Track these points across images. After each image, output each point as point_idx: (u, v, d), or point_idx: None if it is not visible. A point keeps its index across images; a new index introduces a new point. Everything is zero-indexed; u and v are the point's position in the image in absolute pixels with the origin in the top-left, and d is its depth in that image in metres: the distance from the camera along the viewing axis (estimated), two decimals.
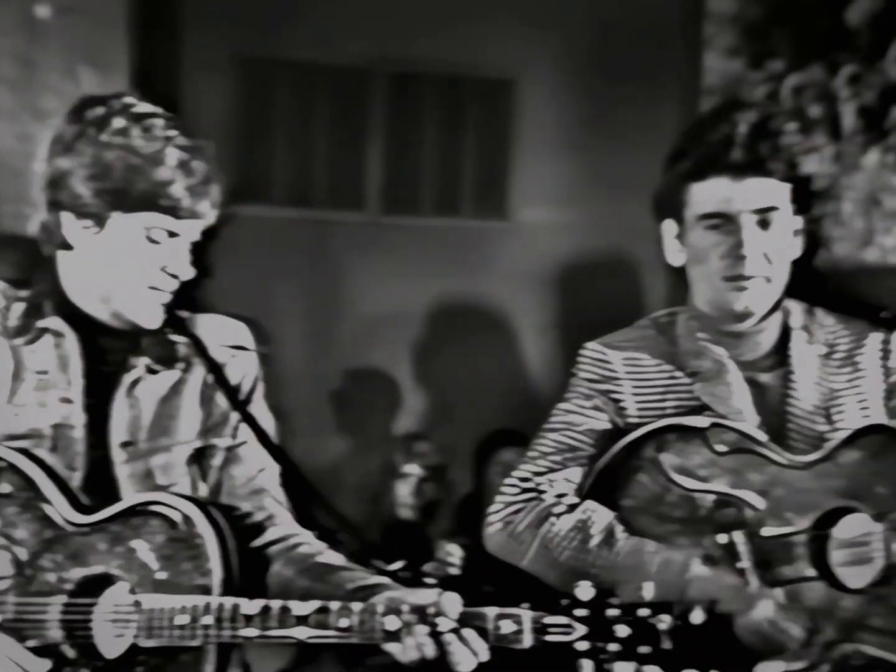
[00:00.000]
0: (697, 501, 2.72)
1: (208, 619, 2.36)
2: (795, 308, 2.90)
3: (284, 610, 2.33)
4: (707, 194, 2.77)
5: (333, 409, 6.28)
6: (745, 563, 2.64)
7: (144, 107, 2.59)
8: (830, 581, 2.70)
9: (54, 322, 2.61)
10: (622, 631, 2.22)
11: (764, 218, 2.77)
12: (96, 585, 2.46)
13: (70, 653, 2.44)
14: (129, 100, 2.59)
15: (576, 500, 2.79)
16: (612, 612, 2.23)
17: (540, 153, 6.38)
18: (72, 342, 2.60)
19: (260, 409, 2.71)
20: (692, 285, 2.86)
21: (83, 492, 2.55)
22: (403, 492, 5.56)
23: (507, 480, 2.82)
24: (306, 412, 5.77)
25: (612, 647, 2.23)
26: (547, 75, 6.31)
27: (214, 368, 2.64)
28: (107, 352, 2.63)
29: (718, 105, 2.86)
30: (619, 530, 2.72)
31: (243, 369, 2.70)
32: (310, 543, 2.64)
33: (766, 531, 2.71)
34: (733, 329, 2.83)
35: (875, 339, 2.88)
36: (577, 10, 6.04)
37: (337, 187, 6.34)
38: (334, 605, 2.32)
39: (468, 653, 2.29)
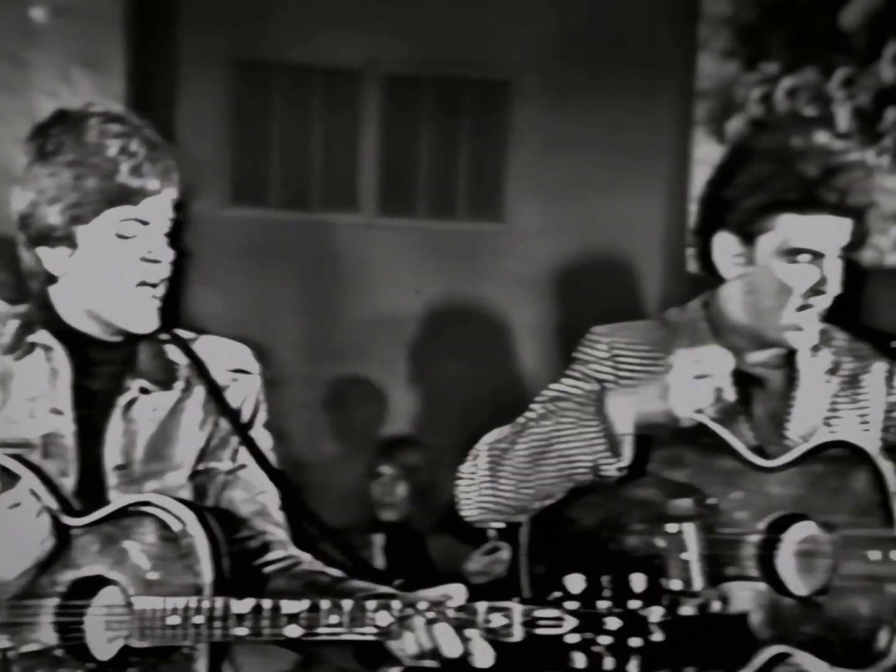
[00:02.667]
0: (657, 487, 2.75)
1: (199, 619, 2.36)
2: None
3: (275, 609, 2.33)
4: (802, 229, 2.71)
5: (325, 414, 6.29)
6: (690, 555, 2.65)
7: (78, 110, 2.60)
8: (774, 585, 2.71)
9: (43, 336, 2.61)
10: (613, 623, 2.23)
11: (840, 254, 2.75)
12: (89, 587, 2.46)
13: (62, 655, 2.43)
14: (64, 110, 2.60)
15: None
16: (603, 605, 2.23)
17: (535, 155, 6.38)
18: (61, 355, 2.60)
19: (260, 432, 2.71)
20: (730, 296, 2.84)
21: (75, 497, 2.54)
22: (377, 492, 5.58)
23: (478, 444, 2.85)
24: (300, 415, 5.78)
25: (603, 639, 2.23)
26: (542, 77, 6.31)
27: (215, 391, 2.64)
28: (99, 364, 2.62)
29: (791, 120, 2.80)
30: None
31: (244, 392, 2.68)
32: (309, 563, 2.65)
33: (718, 529, 2.72)
34: (763, 339, 2.83)
35: (881, 367, 2.88)
36: (573, 12, 6.04)
37: (332, 189, 6.35)
38: (325, 604, 2.33)
39: (457, 644, 2.29)
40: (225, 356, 2.69)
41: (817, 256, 2.71)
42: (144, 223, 2.56)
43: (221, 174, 6.10)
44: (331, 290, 6.23)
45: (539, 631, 2.24)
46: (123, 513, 2.48)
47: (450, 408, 6.18)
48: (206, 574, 2.41)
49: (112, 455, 2.57)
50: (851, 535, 2.70)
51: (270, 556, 2.64)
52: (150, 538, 2.45)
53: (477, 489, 2.78)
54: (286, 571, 2.62)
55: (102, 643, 2.43)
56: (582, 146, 6.30)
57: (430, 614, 2.29)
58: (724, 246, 2.78)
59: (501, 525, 2.85)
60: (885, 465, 2.72)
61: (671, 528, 2.68)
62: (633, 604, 2.22)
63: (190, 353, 2.64)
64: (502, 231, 6.46)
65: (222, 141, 6.06)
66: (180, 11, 5.79)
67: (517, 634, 2.25)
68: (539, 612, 2.24)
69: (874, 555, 2.67)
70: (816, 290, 2.72)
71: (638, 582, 2.24)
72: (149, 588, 2.41)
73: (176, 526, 2.44)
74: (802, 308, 2.74)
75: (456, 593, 2.31)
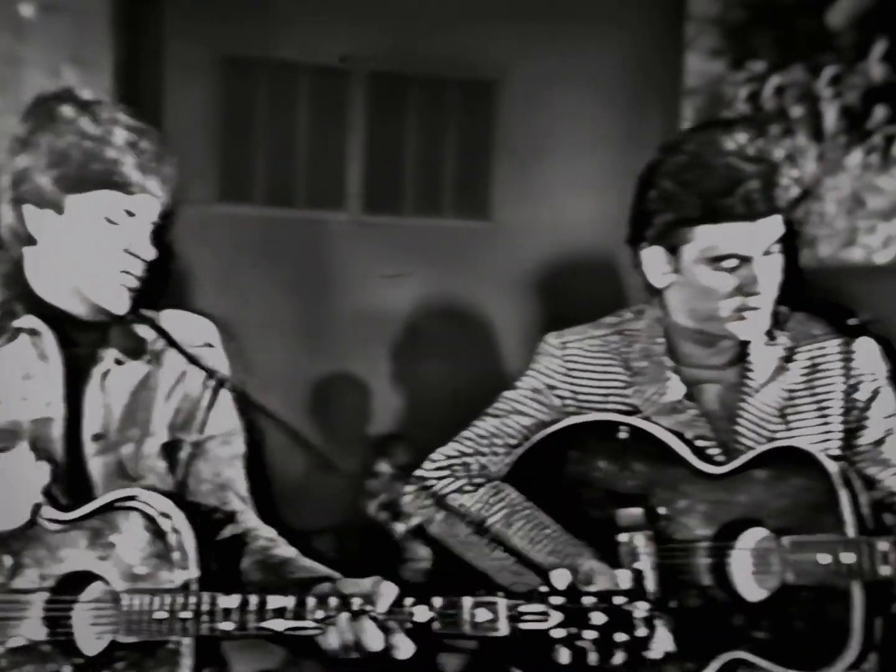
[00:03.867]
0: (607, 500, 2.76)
1: (186, 614, 2.38)
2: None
3: (262, 604, 2.35)
4: (719, 238, 2.76)
5: (310, 411, 6.27)
6: (643, 564, 2.66)
7: (89, 94, 2.68)
8: (727, 592, 2.72)
9: (29, 321, 2.65)
10: (598, 618, 2.23)
11: (769, 250, 2.78)
12: (76, 582, 2.47)
13: (49, 650, 2.44)
14: (76, 91, 2.68)
15: (483, 481, 2.88)
16: (588, 600, 2.24)
17: (521, 153, 6.38)
18: (49, 338, 2.64)
19: (228, 404, 2.76)
20: (672, 303, 2.87)
21: (61, 486, 2.58)
22: (375, 490, 5.58)
23: (434, 454, 2.89)
24: (285, 412, 5.76)
25: (588, 634, 2.23)
26: (528, 75, 6.31)
27: (188, 357, 2.70)
28: (78, 344, 2.67)
29: (703, 137, 2.84)
30: (520, 513, 2.79)
31: (210, 363, 2.74)
32: (268, 538, 2.69)
33: (669, 537, 2.74)
34: (713, 337, 2.84)
35: (838, 345, 2.89)
36: (560, 12, 6.04)
37: (318, 187, 6.33)
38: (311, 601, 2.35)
39: (380, 638, 2.31)
40: (189, 329, 2.76)
41: (743, 260, 2.75)
42: (131, 214, 2.61)
43: (208, 171, 6.09)
44: (317, 287, 6.22)
45: (524, 626, 2.25)
46: (110, 507, 2.50)
47: (435, 406, 6.17)
48: (193, 569, 2.44)
49: (91, 425, 2.62)
50: (802, 539, 2.71)
51: (232, 529, 2.68)
52: (137, 533, 2.46)
53: (425, 521, 2.84)
54: (245, 547, 2.66)
55: (90, 638, 2.44)
56: (568, 144, 6.30)
57: (355, 608, 2.31)
58: (652, 258, 2.85)
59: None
60: (832, 468, 2.73)
61: (623, 538, 2.69)
62: (618, 599, 2.23)
63: (157, 328, 2.70)
64: (488, 229, 6.46)
65: (209, 138, 6.04)
66: (167, 8, 5.78)
67: (502, 629, 2.27)
68: (524, 607, 2.25)
69: (824, 558, 2.68)
70: (748, 292, 2.75)
71: (623, 578, 2.26)
72: (136, 583, 2.43)
73: (162, 521, 2.46)
74: (741, 309, 2.77)
75: (385, 589, 2.33)
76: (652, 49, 6.23)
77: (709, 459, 2.79)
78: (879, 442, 2.84)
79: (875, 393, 2.86)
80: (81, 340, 2.66)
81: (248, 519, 2.71)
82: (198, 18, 5.81)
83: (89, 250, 2.61)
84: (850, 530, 2.68)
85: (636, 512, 2.72)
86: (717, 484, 2.77)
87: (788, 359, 2.86)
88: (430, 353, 6.27)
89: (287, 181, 6.27)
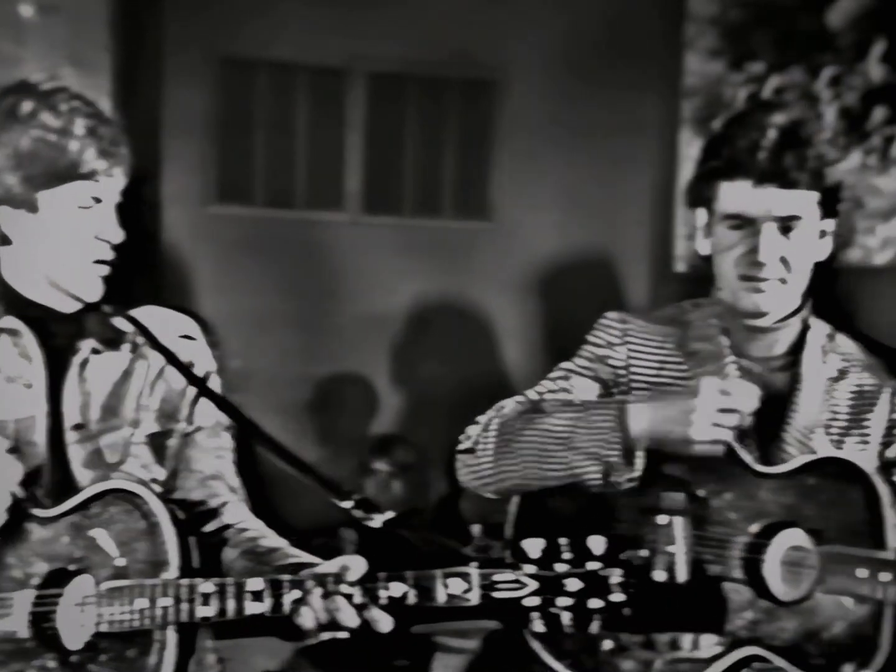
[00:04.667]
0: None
1: (166, 601, 2.38)
2: (818, 326, 2.91)
3: (240, 587, 2.36)
4: (733, 195, 2.79)
5: (311, 412, 6.28)
6: (677, 548, 2.66)
7: (47, 84, 2.67)
8: (757, 589, 2.73)
9: (8, 321, 2.66)
10: (572, 585, 2.23)
11: (786, 225, 2.78)
12: (59, 577, 2.47)
13: (32, 645, 2.44)
14: (31, 81, 2.68)
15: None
16: (562, 567, 2.24)
17: (521, 153, 6.38)
18: (29, 338, 2.65)
19: (214, 392, 2.76)
20: (716, 275, 2.88)
21: (44, 484, 2.59)
22: (371, 488, 5.58)
23: (489, 413, 2.88)
24: (285, 413, 5.77)
25: (563, 601, 2.24)
26: (529, 76, 6.31)
27: (163, 353, 2.69)
28: (57, 337, 2.67)
29: (753, 103, 2.89)
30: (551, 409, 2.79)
31: (191, 356, 2.74)
32: (256, 529, 2.70)
33: (708, 527, 2.74)
34: (749, 323, 2.85)
35: (888, 385, 2.89)
36: (559, 12, 6.04)
37: (317, 187, 6.34)
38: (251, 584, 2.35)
39: (353, 615, 2.32)
40: (169, 324, 2.76)
41: (747, 222, 2.77)
42: (98, 201, 2.63)
43: (207, 172, 6.09)
44: (316, 287, 6.22)
45: (497, 594, 2.26)
46: (92, 501, 2.51)
47: (435, 406, 6.18)
48: (173, 557, 2.44)
49: (70, 415, 2.63)
50: (840, 550, 2.71)
51: (222, 520, 2.69)
52: (116, 525, 2.47)
53: (478, 460, 2.82)
54: (233, 538, 2.67)
55: (74, 632, 2.44)
56: (568, 144, 6.31)
57: (329, 587, 2.32)
58: (698, 221, 2.88)
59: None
60: (882, 487, 2.74)
61: (661, 519, 2.69)
62: (593, 565, 2.24)
63: (134, 322, 2.71)
64: (488, 230, 6.46)
65: (208, 138, 6.04)
66: (166, 9, 5.78)
67: (475, 598, 2.28)
68: (498, 576, 2.26)
69: (861, 572, 2.69)
70: (753, 260, 2.77)
71: (597, 544, 2.26)
72: (118, 574, 2.44)
73: (141, 510, 2.47)
74: (747, 279, 2.78)
75: (354, 565, 2.34)
76: (651, 49, 6.23)
77: (759, 455, 2.80)
78: None
79: None
80: (60, 333, 2.67)
81: (238, 511, 2.72)
82: (197, 19, 5.82)
83: (65, 242, 2.63)
84: (892, 552, 2.70)
85: (679, 496, 2.72)
86: (764, 483, 2.77)
87: (838, 379, 2.88)
88: (429, 352, 6.27)
89: (286, 182, 6.27)
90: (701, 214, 2.88)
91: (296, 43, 6.04)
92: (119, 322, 2.71)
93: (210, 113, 6.05)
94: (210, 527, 2.67)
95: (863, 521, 2.73)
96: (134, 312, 2.73)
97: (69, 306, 2.68)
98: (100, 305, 2.69)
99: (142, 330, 2.70)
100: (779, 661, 2.72)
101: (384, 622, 2.33)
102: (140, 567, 2.44)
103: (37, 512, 2.52)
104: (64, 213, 2.62)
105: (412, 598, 2.31)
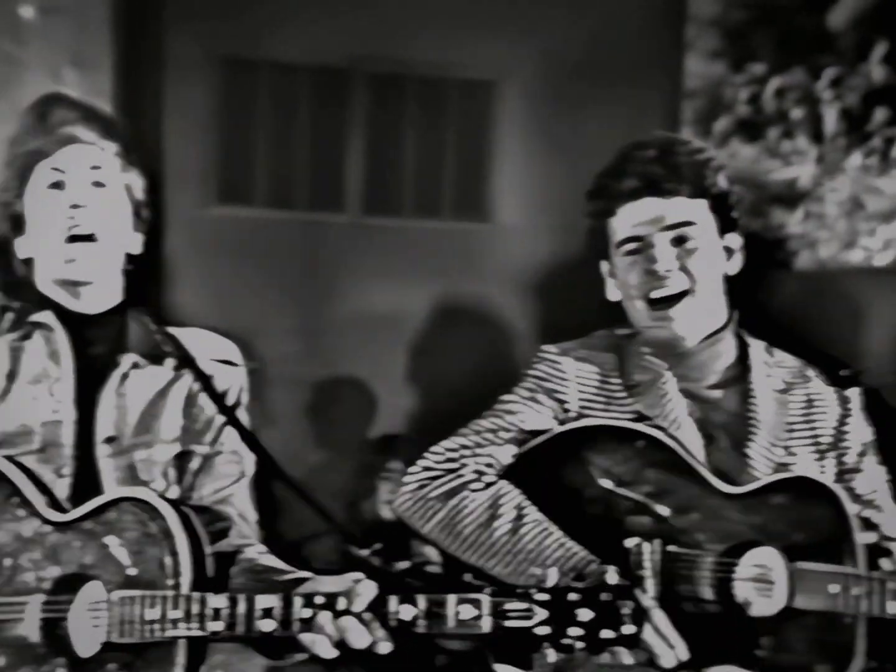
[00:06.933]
0: (614, 504, 2.75)
1: (177, 614, 2.38)
2: (755, 343, 2.94)
3: (251, 603, 2.36)
4: (618, 224, 2.86)
5: (310, 418, 6.27)
6: (646, 572, 2.66)
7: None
8: (727, 608, 2.72)
9: (44, 316, 2.67)
10: (584, 615, 2.22)
11: (679, 235, 2.81)
12: (71, 583, 2.47)
13: (44, 651, 2.44)
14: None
15: (493, 479, 2.83)
16: (574, 597, 2.23)
17: (521, 155, 6.37)
18: (61, 336, 2.65)
19: (244, 419, 2.77)
20: (630, 319, 2.90)
21: (70, 490, 2.59)
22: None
23: (434, 448, 2.88)
24: (285, 415, 5.77)
25: (574, 631, 2.23)
26: (528, 77, 6.31)
27: (201, 377, 2.70)
28: (92, 343, 2.68)
29: (620, 152, 2.93)
30: (528, 516, 2.75)
31: (229, 381, 2.76)
32: (257, 549, 2.72)
33: (675, 548, 2.74)
34: (675, 351, 2.85)
35: (833, 393, 2.92)
36: (559, 13, 6.04)
37: (317, 188, 6.33)
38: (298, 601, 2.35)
39: (365, 636, 2.31)
40: (211, 347, 2.77)
41: (640, 242, 2.80)
42: (62, 171, 2.64)
43: (207, 173, 6.09)
44: (316, 289, 6.22)
45: (508, 623, 2.25)
46: (106, 509, 2.50)
47: (436, 408, 6.17)
48: (186, 570, 2.44)
49: (104, 428, 2.63)
50: (812, 566, 2.72)
51: (226, 543, 2.70)
52: (130, 533, 2.47)
53: (420, 508, 2.84)
54: (234, 560, 2.68)
55: (85, 640, 2.43)
56: (568, 146, 6.30)
57: (340, 607, 2.31)
58: (604, 273, 2.95)
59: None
60: (849, 505, 2.75)
61: (629, 543, 2.69)
62: (605, 595, 2.23)
63: (175, 342, 2.72)
64: (488, 231, 6.46)
65: (208, 139, 6.04)
66: (167, 9, 5.78)
67: (486, 626, 2.26)
68: (509, 605, 2.25)
69: (833, 588, 2.69)
70: (653, 275, 2.78)
71: (611, 575, 2.25)
72: (129, 584, 2.44)
73: (155, 521, 2.46)
74: (654, 304, 2.79)
75: (364, 587, 2.33)
76: (652, 50, 6.23)
77: (721, 474, 2.80)
78: (869, 487, 2.87)
79: (865, 446, 2.90)
80: (96, 337, 2.68)
81: (244, 533, 2.74)
82: (198, 18, 5.82)
83: (46, 227, 2.66)
84: (862, 566, 2.70)
85: (645, 520, 2.73)
86: (731, 503, 2.77)
87: (785, 392, 2.88)
88: (429, 354, 6.27)
89: (286, 183, 6.27)
90: (603, 266, 2.93)
91: (297, 43, 6.04)
92: (162, 340, 2.71)
93: (210, 113, 6.04)
94: (216, 548, 2.66)
95: (832, 537, 2.74)
96: (178, 332, 2.75)
97: (87, 305, 2.68)
98: (126, 309, 2.69)
99: (183, 351, 2.71)
100: None
101: (385, 645, 2.32)
102: (151, 577, 2.44)
103: (53, 516, 2.52)
104: (38, 201, 2.65)
105: (421, 623, 2.30)
